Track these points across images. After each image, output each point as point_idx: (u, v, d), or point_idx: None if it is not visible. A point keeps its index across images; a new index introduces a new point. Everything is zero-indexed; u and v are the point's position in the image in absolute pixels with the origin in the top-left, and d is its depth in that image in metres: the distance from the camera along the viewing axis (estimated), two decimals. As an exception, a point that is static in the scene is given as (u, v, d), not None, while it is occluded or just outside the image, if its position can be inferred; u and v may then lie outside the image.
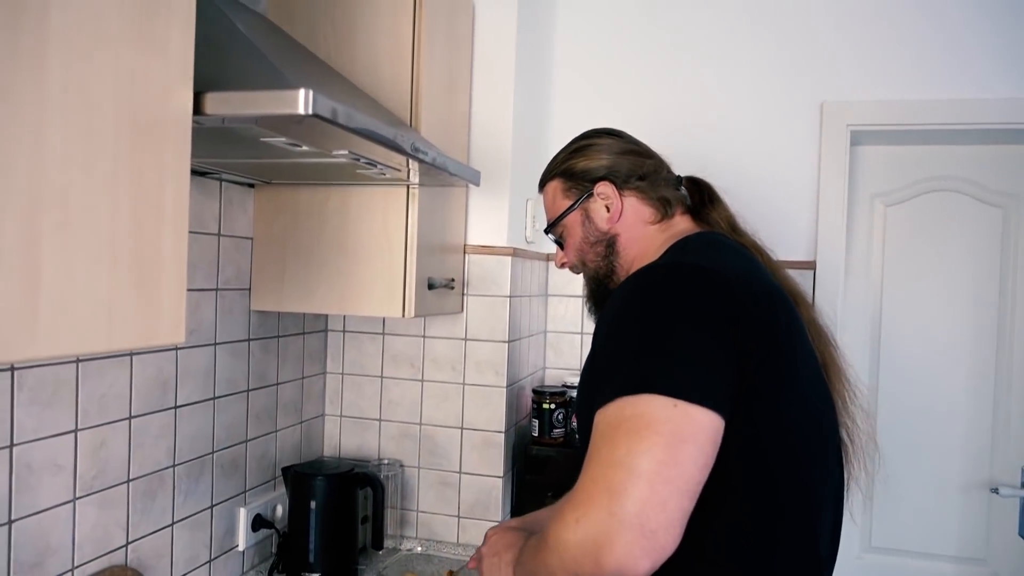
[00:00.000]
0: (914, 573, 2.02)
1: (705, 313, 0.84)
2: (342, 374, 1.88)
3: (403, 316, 1.46)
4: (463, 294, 1.78)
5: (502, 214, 1.77)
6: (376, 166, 1.18)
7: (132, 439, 1.25)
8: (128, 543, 1.25)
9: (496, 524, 1.18)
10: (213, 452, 1.46)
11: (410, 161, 1.20)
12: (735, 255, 1.00)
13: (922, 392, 2.02)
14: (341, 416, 1.88)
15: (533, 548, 0.90)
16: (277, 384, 1.67)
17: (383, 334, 1.85)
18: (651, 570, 0.73)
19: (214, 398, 1.46)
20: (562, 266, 1.22)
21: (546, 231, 1.24)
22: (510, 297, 1.76)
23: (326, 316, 1.88)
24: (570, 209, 1.16)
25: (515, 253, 1.79)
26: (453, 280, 1.66)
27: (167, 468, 1.34)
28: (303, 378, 1.78)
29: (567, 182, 1.17)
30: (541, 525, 1.06)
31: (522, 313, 1.88)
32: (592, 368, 0.94)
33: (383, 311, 1.47)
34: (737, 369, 0.82)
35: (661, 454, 0.74)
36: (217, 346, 1.46)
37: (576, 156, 1.17)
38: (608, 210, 1.12)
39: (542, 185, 1.23)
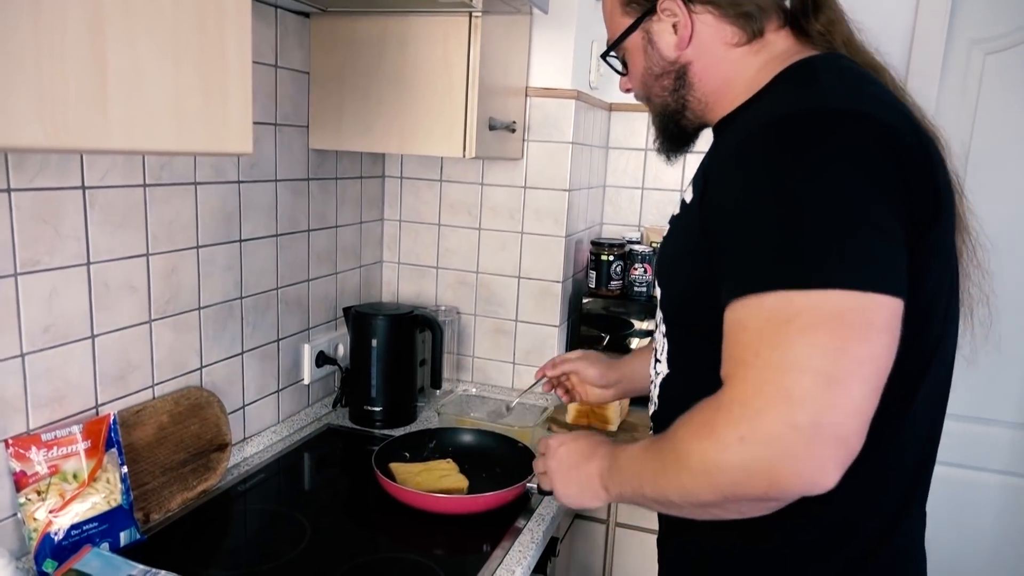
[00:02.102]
0: (1007, 444, 2.01)
1: (878, 177, 0.67)
2: (399, 221, 1.87)
3: (463, 156, 1.42)
4: (523, 139, 1.72)
5: (566, 54, 1.67)
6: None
7: (200, 268, 1.27)
8: (203, 367, 1.30)
9: (552, 434, 1.05)
10: (277, 288, 1.49)
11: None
12: (882, 90, 0.79)
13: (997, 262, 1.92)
14: (399, 263, 1.89)
15: (654, 465, 0.76)
16: (336, 227, 1.67)
17: (440, 181, 1.81)
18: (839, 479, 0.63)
19: (276, 235, 1.47)
20: (627, 91, 1.04)
21: (603, 56, 0.99)
22: (572, 144, 1.70)
23: (383, 161, 1.85)
24: (628, 31, 0.92)
25: (579, 97, 1.70)
26: (515, 122, 1.60)
27: (235, 299, 1.37)
28: (361, 223, 1.78)
29: None
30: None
31: (583, 162, 1.82)
32: (705, 244, 0.77)
33: (443, 150, 1.43)
34: (908, 244, 0.69)
35: (858, 350, 0.62)
36: (278, 183, 1.45)
37: None
38: (675, 32, 0.88)
39: None
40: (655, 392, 0.95)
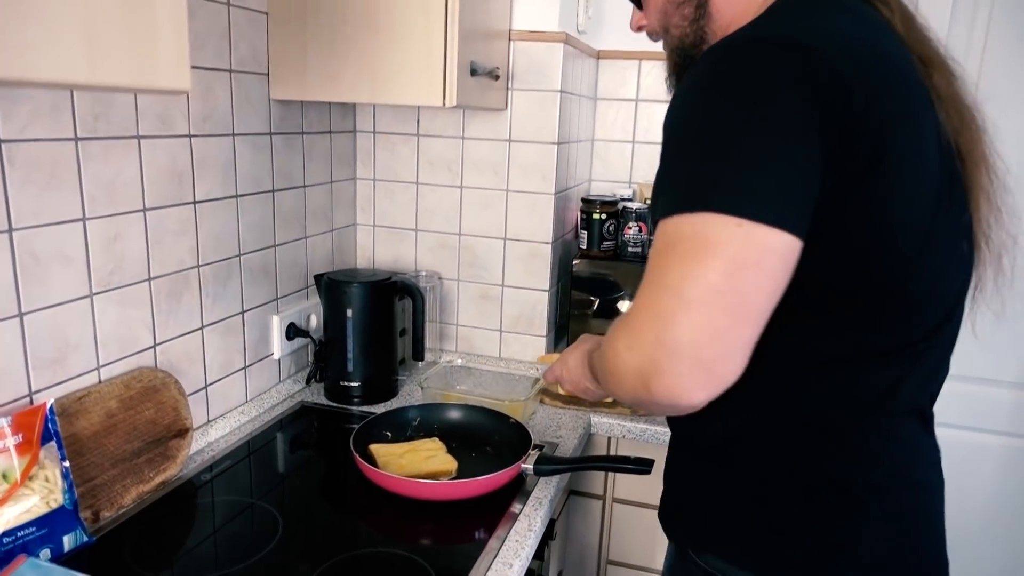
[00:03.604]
0: (1008, 405, 1.94)
1: (789, 108, 0.67)
2: (374, 180, 1.72)
3: (443, 104, 1.27)
4: (507, 88, 1.58)
5: (554, -8, 1.52)
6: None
7: (149, 234, 1.13)
8: (156, 344, 1.17)
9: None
10: (240, 255, 1.34)
11: None
12: (850, 20, 0.77)
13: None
14: (374, 225, 1.75)
15: (600, 365, 0.82)
16: (304, 187, 1.53)
17: (417, 135, 1.67)
18: (708, 400, 0.66)
19: (236, 196, 1.32)
20: (639, 30, 0.99)
21: None
22: (561, 92, 1.55)
23: (354, 114, 1.69)
24: None
25: (567, 41, 1.55)
26: (498, 68, 1.45)
27: (191, 268, 1.22)
28: (331, 182, 1.63)
29: None
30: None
31: (572, 113, 1.68)
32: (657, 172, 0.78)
33: (420, 98, 1.28)
34: (825, 178, 0.67)
35: (718, 281, 0.64)
36: (236, 137, 1.30)
37: None
38: None
39: None
40: None
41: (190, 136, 1.19)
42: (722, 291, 0.63)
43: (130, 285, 1.10)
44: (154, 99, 1.10)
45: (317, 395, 1.52)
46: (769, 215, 0.64)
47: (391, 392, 1.52)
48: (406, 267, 1.74)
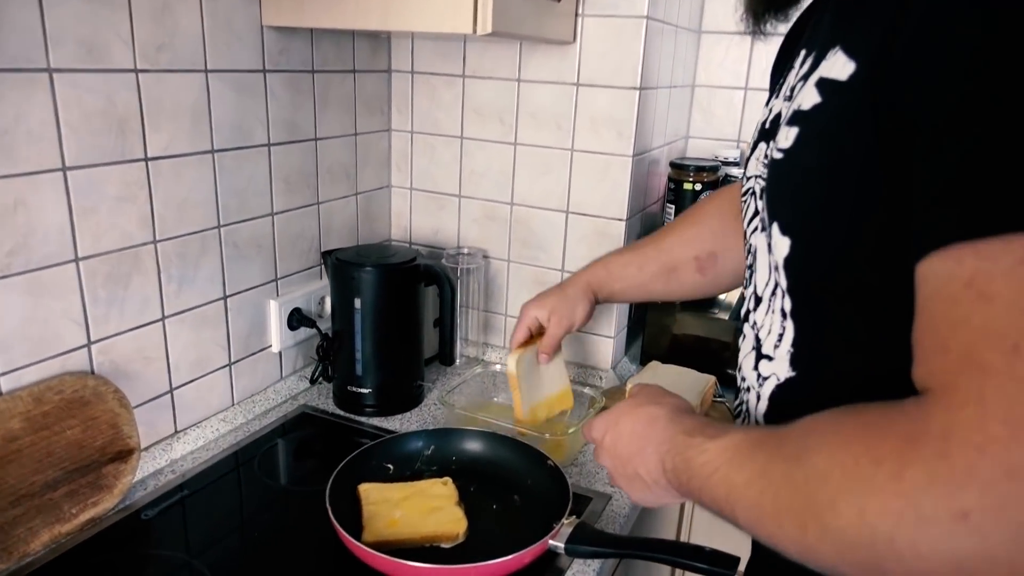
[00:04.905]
0: None
1: None
2: (411, 132, 1.40)
3: (474, 31, 0.92)
4: (577, 13, 1.20)
5: None
6: None
7: (72, 200, 0.85)
8: (91, 343, 0.91)
9: (599, 414, 0.72)
10: (220, 226, 1.06)
11: None
12: None
13: None
14: (411, 188, 1.43)
15: (762, 493, 0.47)
16: (316, 139, 1.22)
17: (463, 76, 1.32)
18: None
19: (213, 151, 1.03)
20: None
21: None
22: (647, 19, 1.16)
23: (388, 48, 1.36)
24: None
25: (660, -54, 1.15)
26: (560, -15, 1.08)
27: (143, 245, 0.95)
28: (356, 135, 1.32)
29: None
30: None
31: (663, 49, 1.28)
32: (886, 155, 0.46)
33: (443, 23, 0.94)
34: None
35: None
36: (209, 74, 1.00)
37: None
38: None
39: None
40: (759, 404, 0.62)
41: (136, 71, 0.90)
42: None
43: (43, 268, 0.84)
44: (73, 18, 0.82)
45: (325, 398, 1.24)
46: None
47: (413, 401, 1.22)
48: (447, 241, 1.42)
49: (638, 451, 0.62)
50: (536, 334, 1.05)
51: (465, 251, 1.37)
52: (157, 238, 0.97)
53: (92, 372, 0.91)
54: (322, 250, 1.27)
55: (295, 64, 1.15)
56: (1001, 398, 0.36)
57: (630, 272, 1.01)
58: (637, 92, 1.19)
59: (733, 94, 1.53)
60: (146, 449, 1.00)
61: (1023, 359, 0.35)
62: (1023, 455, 0.35)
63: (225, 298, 1.10)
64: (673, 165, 1.32)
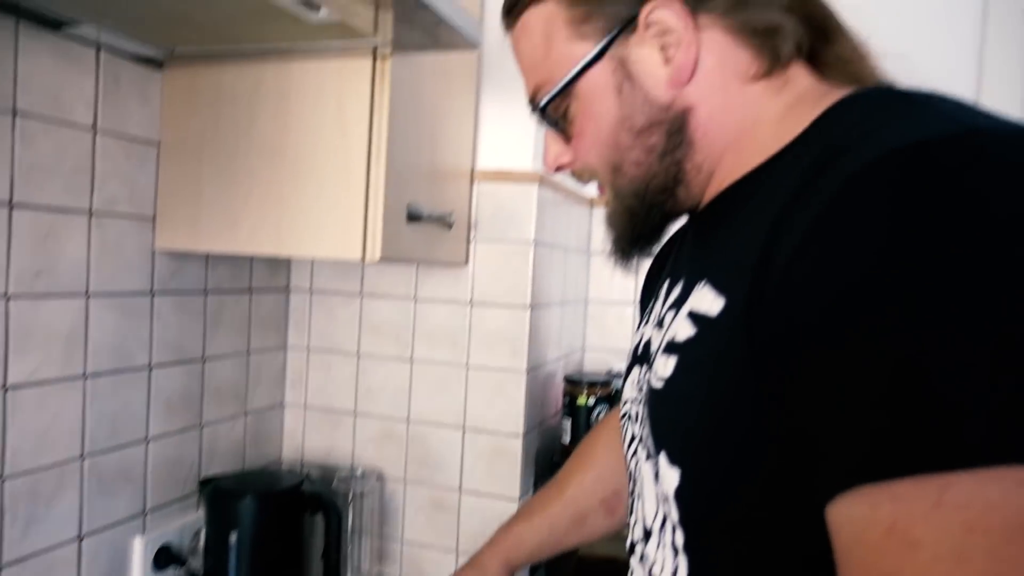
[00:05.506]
0: None
1: None
2: (308, 349, 1.38)
3: (362, 259, 0.95)
4: (469, 239, 1.27)
5: (526, 124, 1.24)
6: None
7: (-93, 437, 0.77)
8: (-99, 604, 0.78)
9: None
10: (83, 457, 0.98)
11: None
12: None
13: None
14: (305, 407, 1.39)
15: None
16: (204, 360, 1.19)
17: (361, 295, 1.34)
18: None
19: (85, 376, 0.98)
20: (560, 168, 0.66)
21: (535, 105, 0.63)
22: (535, 244, 1.24)
23: (288, 269, 1.39)
24: (590, 62, 0.59)
25: (543, 182, 1.26)
26: (452, 214, 1.15)
27: (-14, 483, 0.86)
28: (248, 353, 1.29)
29: (576, 3, 0.59)
30: None
31: (552, 270, 1.36)
32: (769, 387, 0.45)
33: (334, 250, 0.97)
34: None
35: None
36: (91, 299, 0.98)
37: None
38: (668, 59, 0.57)
39: (513, 10, 0.64)
40: None
41: (6, 297, 0.87)
42: None
43: None
44: (-58, 247, 0.79)
45: (191, 651, 1.09)
46: None
47: (294, 648, 1.09)
48: (341, 461, 1.35)
49: None
50: None
51: (359, 472, 1.30)
52: (6, 474, 0.88)
53: None
54: (201, 477, 1.18)
55: (187, 285, 1.14)
56: None
57: (543, 536, 0.95)
58: (528, 310, 1.24)
59: (623, 308, 1.62)
60: None
61: None
62: None
63: (80, 539, 0.98)
64: (567, 380, 1.34)
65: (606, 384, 1.32)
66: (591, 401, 1.29)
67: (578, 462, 0.98)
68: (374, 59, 0.94)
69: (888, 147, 0.41)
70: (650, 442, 0.59)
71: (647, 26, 0.57)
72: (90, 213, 0.97)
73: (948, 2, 1.40)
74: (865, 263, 0.39)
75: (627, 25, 0.57)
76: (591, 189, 1.34)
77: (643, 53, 0.58)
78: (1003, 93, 1.35)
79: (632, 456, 0.65)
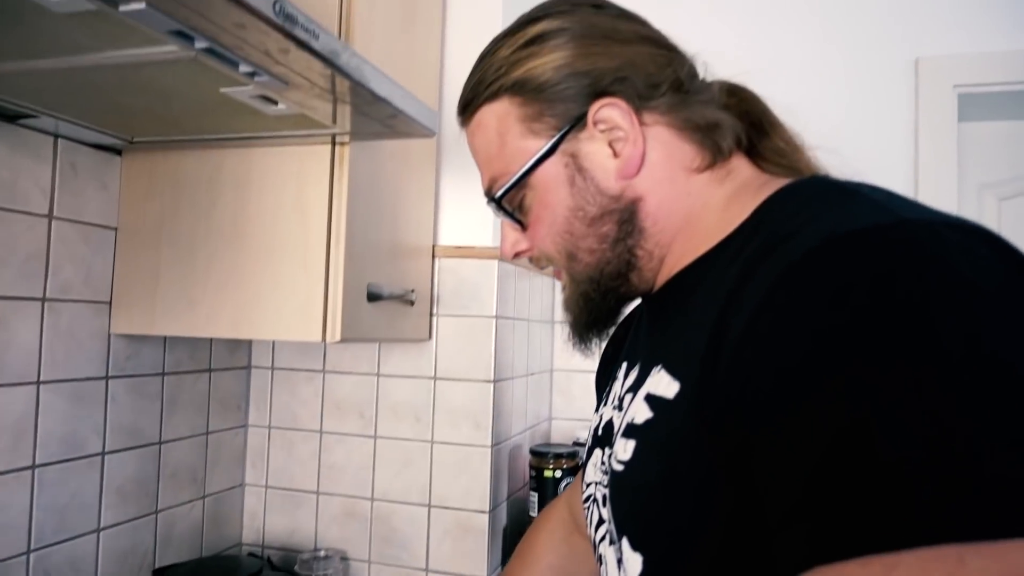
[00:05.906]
0: None
1: None
2: (269, 427, 1.36)
3: (323, 340, 0.95)
4: (431, 314, 1.27)
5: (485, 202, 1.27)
6: (266, 75, 0.68)
7: None
8: None
9: None
10: (29, 551, 0.94)
11: (329, 77, 0.70)
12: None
13: None
14: (267, 487, 1.36)
15: None
16: (160, 443, 1.16)
17: (323, 371, 1.33)
18: None
19: (34, 467, 0.95)
20: (518, 256, 0.68)
21: (491, 197, 0.65)
22: (497, 318, 1.25)
23: (249, 347, 1.37)
24: (542, 157, 0.61)
25: (503, 257, 1.28)
26: (413, 291, 1.16)
27: (-77, 586, 0.82)
28: (207, 434, 1.27)
29: (529, 102, 0.62)
30: None
31: (515, 342, 1.37)
32: (724, 467, 0.46)
33: (295, 332, 0.97)
34: None
35: None
36: (42, 386, 0.96)
37: (539, 47, 0.62)
38: (616, 153, 0.60)
39: (468, 108, 0.66)
40: None
41: (-48, 390, 0.85)
42: None
43: None
44: None
45: None
46: None
47: None
48: (303, 543, 1.32)
49: None
50: None
51: (322, 554, 1.27)
52: (-56, 575, 0.84)
53: None
54: (155, 567, 1.14)
55: (144, 368, 1.12)
56: None
57: None
58: (491, 385, 1.24)
59: (588, 376, 1.62)
60: None
61: None
62: None
63: (23, 640, 0.94)
64: (533, 453, 1.33)
65: (572, 456, 1.31)
66: (558, 473, 1.28)
67: (520, 564, 0.94)
68: (333, 145, 0.96)
69: (823, 237, 0.44)
70: (612, 527, 0.59)
71: (595, 123, 0.60)
72: (44, 299, 0.96)
73: (879, 90, 1.48)
74: (804, 346, 0.41)
75: (577, 122, 0.61)
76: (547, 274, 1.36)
77: (593, 148, 0.61)
78: (939, 171, 1.42)
79: (601, 540, 0.65)
